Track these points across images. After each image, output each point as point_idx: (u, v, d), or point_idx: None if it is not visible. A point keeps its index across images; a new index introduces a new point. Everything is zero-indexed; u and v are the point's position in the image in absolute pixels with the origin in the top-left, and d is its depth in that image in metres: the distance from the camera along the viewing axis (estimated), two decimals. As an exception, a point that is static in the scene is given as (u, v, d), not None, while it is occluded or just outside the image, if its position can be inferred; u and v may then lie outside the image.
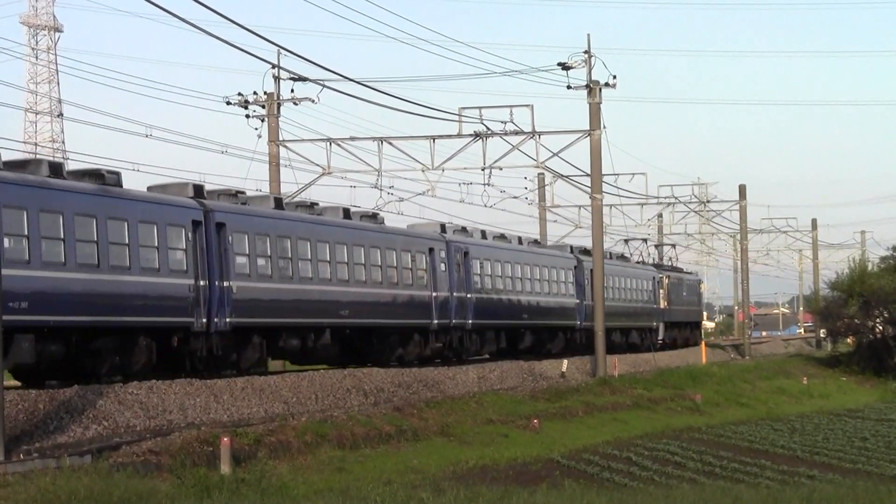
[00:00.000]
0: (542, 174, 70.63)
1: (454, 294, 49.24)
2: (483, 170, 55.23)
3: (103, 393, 28.92)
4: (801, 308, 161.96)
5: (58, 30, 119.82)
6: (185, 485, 22.80)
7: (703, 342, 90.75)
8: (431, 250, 48.22)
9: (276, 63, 50.14)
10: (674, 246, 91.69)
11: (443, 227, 51.22)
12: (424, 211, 77.60)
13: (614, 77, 52.89)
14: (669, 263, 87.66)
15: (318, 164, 54.25)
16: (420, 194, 56.48)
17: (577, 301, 62.48)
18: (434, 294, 47.77)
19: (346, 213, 44.61)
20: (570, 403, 43.04)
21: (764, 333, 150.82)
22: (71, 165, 36.46)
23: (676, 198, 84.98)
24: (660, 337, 76.73)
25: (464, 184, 59.57)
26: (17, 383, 32.89)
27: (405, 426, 33.05)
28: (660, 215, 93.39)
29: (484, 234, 54.43)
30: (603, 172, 54.63)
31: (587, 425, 40.37)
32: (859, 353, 78.16)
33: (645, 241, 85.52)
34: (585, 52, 52.81)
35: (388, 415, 33.73)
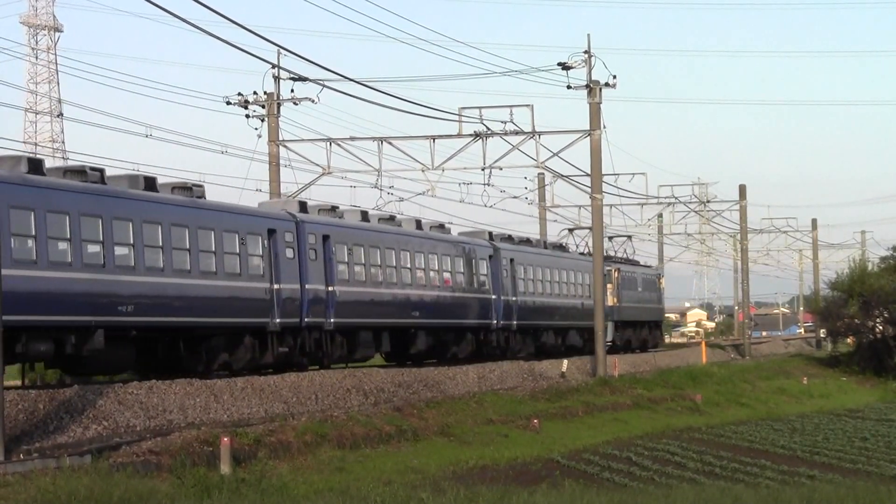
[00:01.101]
0: (542, 174, 70.63)
1: (308, 287, 39.94)
2: (483, 170, 55.27)
3: (103, 393, 28.92)
4: (802, 308, 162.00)
5: (58, 30, 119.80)
6: (185, 485, 22.81)
7: (703, 342, 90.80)
8: (273, 232, 38.84)
9: (276, 63, 50.20)
10: (630, 237, 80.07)
11: (302, 206, 42.38)
12: (424, 211, 77.60)
13: (614, 77, 52.94)
14: (625, 255, 77.64)
15: (318, 164, 54.29)
16: (420, 194, 56.51)
17: (494, 297, 53.44)
18: (276, 287, 38.51)
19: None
20: (570, 403, 43.05)
21: (764, 333, 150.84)
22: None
23: (676, 198, 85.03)
24: (608, 338, 64.29)
25: (464, 184, 59.58)
26: (17, 383, 32.93)
27: (405, 426, 33.05)
28: (660, 215, 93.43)
29: (366, 216, 46.03)
30: (603, 172, 54.63)
31: (587, 425, 40.37)
32: (859, 353, 78.19)
33: (590, 228, 76.72)
34: (585, 52, 52.82)
35: (388, 415, 33.73)
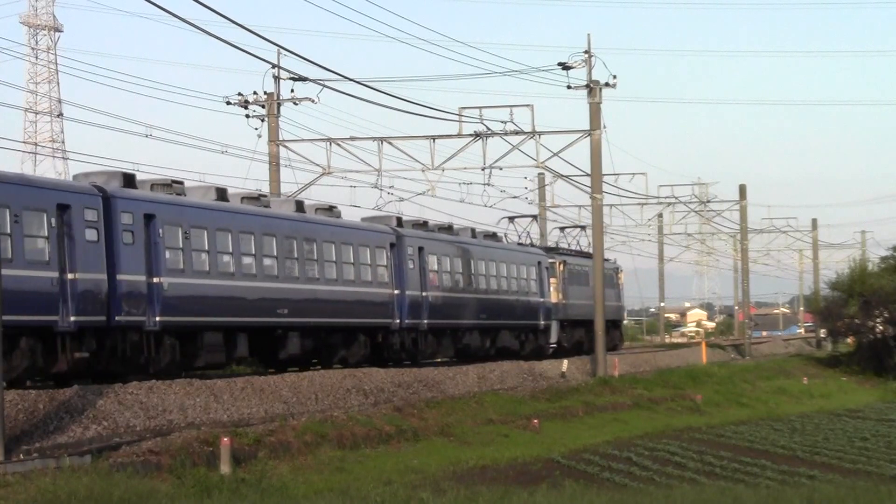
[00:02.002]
0: (542, 174, 70.67)
1: (120, 278, 32.93)
2: (483, 170, 55.31)
3: (103, 393, 28.91)
4: (802, 308, 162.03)
5: (58, 30, 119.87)
6: (185, 485, 22.81)
7: (703, 342, 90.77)
8: (66, 208, 31.57)
9: (276, 63, 50.23)
10: (583, 228, 70.53)
11: (127, 178, 35.06)
12: (424, 211, 77.61)
13: (614, 77, 52.96)
14: (577, 247, 69.59)
15: (318, 164, 54.31)
16: (420, 194, 56.51)
17: (396, 292, 45.82)
18: (67, 277, 31.30)
19: None
20: (570, 403, 43.04)
21: (764, 333, 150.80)
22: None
23: (676, 198, 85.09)
24: (552, 339, 60.66)
25: (464, 184, 59.55)
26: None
27: (405, 426, 33.05)
28: (660, 215, 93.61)
29: (224, 195, 38.96)
30: (603, 172, 54.65)
31: (587, 425, 40.36)
32: (859, 353, 78.19)
33: (535, 217, 68.22)
34: (585, 52, 52.83)
35: (388, 415, 33.73)
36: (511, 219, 65.30)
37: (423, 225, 49.89)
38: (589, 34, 55.94)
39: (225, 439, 25.49)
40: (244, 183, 75.88)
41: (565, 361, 55.37)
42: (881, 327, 77.21)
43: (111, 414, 28.21)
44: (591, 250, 66.66)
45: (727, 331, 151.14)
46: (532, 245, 63.31)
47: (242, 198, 39.63)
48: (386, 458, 29.52)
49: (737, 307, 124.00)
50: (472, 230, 54.04)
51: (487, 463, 30.28)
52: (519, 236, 64.07)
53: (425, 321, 47.51)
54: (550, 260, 61.58)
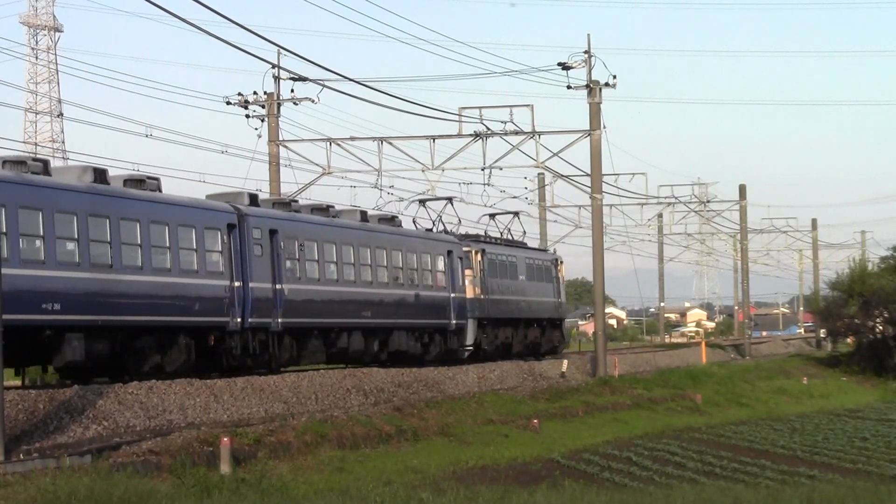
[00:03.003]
0: (542, 174, 70.71)
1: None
2: (483, 170, 55.33)
3: (103, 393, 28.92)
4: (802, 308, 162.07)
5: (58, 30, 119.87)
6: (185, 485, 22.81)
7: (703, 342, 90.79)
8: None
9: (276, 63, 50.26)
10: (517, 214, 62.10)
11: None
12: (424, 211, 77.39)
13: (614, 77, 52.99)
14: (509, 236, 60.70)
15: (318, 164, 54.32)
16: (420, 194, 56.47)
17: (237, 283, 36.89)
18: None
19: None
20: (570, 403, 43.05)
21: (764, 333, 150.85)
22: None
23: (676, 198, 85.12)
24: (467, 341, 51.70)
25: (464, 184, 59.47)
26: (17, 383, 32.92)
27: (405, 426, 33.06)
28: (660, 215, 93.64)
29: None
30: (603, 172, 54.66)
31: (587, 425, 40.37)
32: (859, 353, 78.20)
33: (450, 199, 56.61)
34: (585, 52, 52.84)
35: (388, 415, 33.73)
36: (423, 202, 55.07)
37: (285, 204, 41.61)
38: (589, 34, 56.03)
39: (225, 439, 25.49)
40: (244, 183, 75.86)
41: (565, 361, 55.37)
42: (881, 327, 77.25)
43: (111, 414, 28.22)
44: (525, 240, 61.74)
45: (727, 331, 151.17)
46: (448, 232, 53.37)
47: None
48: (386, 458, 29.52)
49: (737, 307, 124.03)
50: (363, 212, 45.69)
51: (487, 463, 30.29)
52: (433, 223, 53.46)
53: (279, 320, 38.37)
54: (466, 248, 52.75)
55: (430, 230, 52.58)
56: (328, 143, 54.38)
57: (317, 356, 41.37)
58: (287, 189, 53.46)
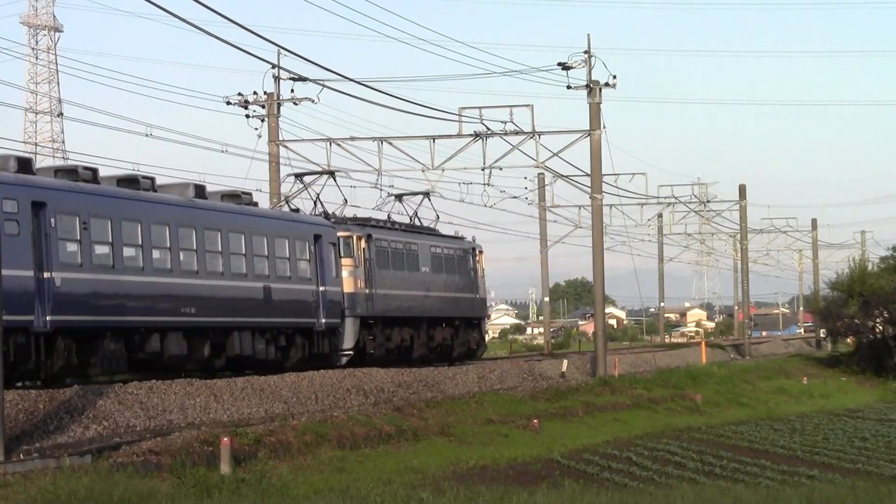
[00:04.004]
0: (542, 174, 70.75)
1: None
2: (483, 170, 55.28)
3: (103, 393, 28.93)
4: (801, 308, 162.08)
5: (58, 30, 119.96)
6: (185, 485, 22.81)
7: (703, 342, 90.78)
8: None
9: (276, 63, 50.25)
10: (427, 195, 54.72)
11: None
12: (424, 211, 77.34)
13: (614, 77, 52.97)
14: (417, 221, 53.47)
15: (318, 164, 54.27)
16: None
17: (41, 274, 30.51)
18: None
19: None
20: (570, 403, 43.04)
21: (764, 333, 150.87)
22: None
23: (676, 198, 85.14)
24: (345, 344, 44.14)
25: (464, 184, 59.44)
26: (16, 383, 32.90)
27: (405, 426, 33.05)
28: (660, 215, 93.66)
29: None
30: (603, 172, 54.65)
31: (587, 425, 40.36)
32: (859, 353, 78.17)
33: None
34: (585, 52, 52.84)
35: (388, 415, 33.73)
36: (299, 176, 48.66)
37: (69, 173, 33.34)
38: (589, 34, 55.96)
39: (225, 439, 25.49)
40: (244, 183, 75.80)
41: (565, 361, 55.33)
42: (881, 327, 77.24)
43: (111, 414, 28.23)
44: (437, 226, 54.73)
45: (727, 331, 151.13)
46: (327, 215, 46.22)
47: None
48: (386, 458, 29.52)
49: (737, 307, 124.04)
50: (199, 187, 37.96)
51: (487, 463, 30.29)
52: (315, 203, 47.11)
53: (48, 318, 30.62)
54: (345, 233, 45.02)
55: (297, 210, 45.00)
56: (328, 143, 54.37)
57: (115, 364, 33.15)
58: (287, 189, 53.45)
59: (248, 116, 53.01)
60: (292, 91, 52.28)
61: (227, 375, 36.06)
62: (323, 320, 42.34)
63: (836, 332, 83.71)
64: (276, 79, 52.05)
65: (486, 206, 59.41)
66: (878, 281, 77.83)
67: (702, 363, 70.40)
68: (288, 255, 40.84)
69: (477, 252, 56.06)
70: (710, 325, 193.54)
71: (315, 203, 47.52)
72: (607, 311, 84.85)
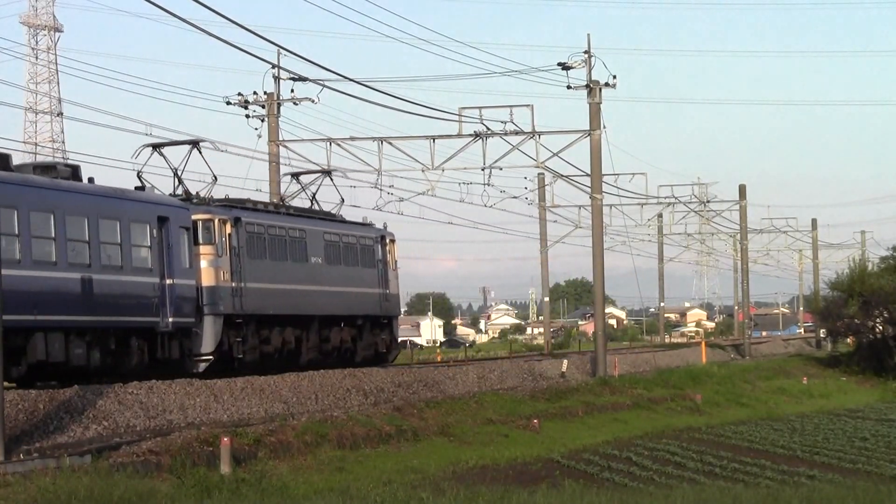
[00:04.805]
0: (542, 174, 70.77)
1: None
2: (483, 170, 55.29)
3: (103, 393, 28.93)
4: (801, 308, 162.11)
5: (58, 30, 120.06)
6: (185, 485, 22.81)
7: (703, 342, 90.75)
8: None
9: (276, 63, 50.27)
10: (328, 173, 49.01)
11: None
12: (424, 211, 77.56)
13: (614, 77, 52.98)
14: (312, 204, 47.29)
15: (318, 164, 54.27)
16: (420, 194, 56.43)
17: None
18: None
19: None
20: (570, 403, 43.03)
21: (764, 333, 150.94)
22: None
23: (676, 198, 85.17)
24: (204, 348, 37.41)
25: (464, 184, 59.45)
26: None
27: (405, 426, 33.05)
28: (660, 215, 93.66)
29: None
30: (603, 172, 54.65)
31: (587, 425, 40.36)
32: (859, 353, 78.16)
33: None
34: (585, 52, 52.85)
35: (388, 415, 33.72)
36: (156, 147, 40.55)
37: None
38: (589, 34, 55.94)
39: (225, 439, 25.49)
40: (244, 183, 75.86)
41: (565, 361, 55.31)
42: (881, 327, 77.22)
43: (111, 414, 28.23)
44: (336, 210, 47.84)
45: (727, 331, 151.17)
46: (189, 195, 39.76)
47: None
48: (386, 458, 29.52)
49: (737, 307, 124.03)
50: (2, 156, 31.55)
51: (487, 463, 30.28)
52: (176, 175, 40.33)
53: None
54: (204, 215, 38.39)
55: (141, 188, 37.83)
56: (328, 143, 54.37)
57: None
58: (287, 189, 53.44)
59: (248, 116, 53.06)
60: (292, 91, 52.36)
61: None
62: (170, 319, 35.32)
63: (836, 332, 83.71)
64: (276, 79, 52.10)
65: (486, 206, 59.42)
66: (878, 281, 77.82)
67: (702, 363, 70.39)
68: (119, 241, 33.82)
69: (387, 241, 48.45)
70: (710, 325, 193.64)
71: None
72: (607, 311, 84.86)
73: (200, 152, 41.02)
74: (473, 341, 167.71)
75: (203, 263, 37.78)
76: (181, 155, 40.68)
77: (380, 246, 47.92)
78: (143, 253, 34.88)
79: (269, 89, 52.54)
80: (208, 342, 37.56)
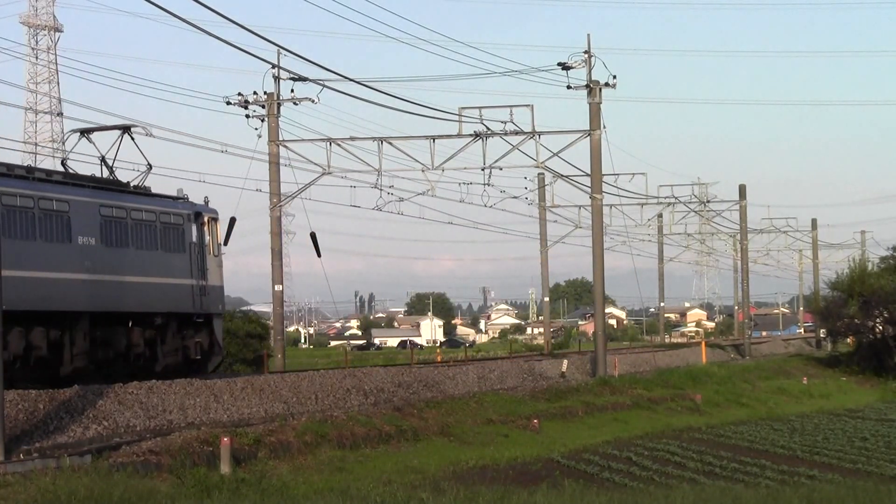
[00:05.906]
0: (542, 174, 70.74)
1: None
2: (483, 170, 55.24)
3: (103, 393, 28.93)
4: (801, 308, 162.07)
5: (58, 30, 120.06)
6: (185, 485, 22.81)
7: (703, 342, 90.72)
8: None
9: (276, 63, 50.22)
10: (126, 129, 38.67)
11: None
12: (424, 211, 77.52)
13: (614, 77, 52.96)
14: (111, 171, 38.08)
15: (318, 164, 54.25)
16: (420, 194, 56.37)
17: None
18: None
19: None
20: (570, 403, 43.03)
21: (764, 333, 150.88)
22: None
23: (676, 198, 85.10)
24: None
25: (464, 184, 59.41)
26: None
27: (405, 426, 33.05)
28: (660, 215, 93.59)
29: None
30: (603, 172, 54.63)
31: (587, 425, 40.36)
32: (859, 353, 78.18)
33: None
34: (585, 52, 52.83)
35: (388, 415, 33.72)
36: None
37: None
38: (589, 34, 55.90)
39: (225, 439, 25.49)
40: (244, 183, 75.85)
41: (565, 361, 55.34)
42: (881, 327, 77.23)
43: (111, 414, 28.22)
44: (140, 181, 38.14)
45: (727, 331, 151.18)
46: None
47: None
48: (386, 458, 29.52)
49: (737, 307, 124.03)
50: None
51: (487, 463, 30.28)
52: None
53: None
54: None
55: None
56: (328, 143, 54.35)
57: None
58: (287, 189, 53.47)
59: (248, 116, 52.99)
60: (292, 91, 52.28)
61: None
62: None
63: (836, 332, 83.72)
64: (276, 79, 52.04)
65: (486, 206, 59.35)
66: (878, 281, 77.84)
67: (702, 363, 70.40)
68: None
69: (203, 219, 39.22)
70: (710, 325, 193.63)
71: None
72: (607, 311, 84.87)
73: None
74: (473, 341, 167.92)
75: None
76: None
77: (194, 225, 38.58)
78: None
79: (269, 89, 52.54)
80: None
